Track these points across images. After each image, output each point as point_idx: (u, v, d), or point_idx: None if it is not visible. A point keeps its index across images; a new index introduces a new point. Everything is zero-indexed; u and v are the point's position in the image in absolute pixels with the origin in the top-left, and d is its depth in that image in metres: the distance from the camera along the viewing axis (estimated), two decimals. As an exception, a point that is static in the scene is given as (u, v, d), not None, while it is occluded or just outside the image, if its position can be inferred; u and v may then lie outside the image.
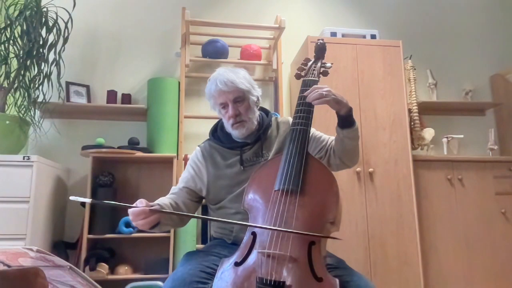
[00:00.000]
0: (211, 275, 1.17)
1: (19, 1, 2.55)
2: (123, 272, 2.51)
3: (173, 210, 1.36)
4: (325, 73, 1.47)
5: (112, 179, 2.63)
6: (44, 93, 2.55)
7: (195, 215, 1.51)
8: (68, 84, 2.84)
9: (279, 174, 1.23)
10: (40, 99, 2.58)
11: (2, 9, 2.51)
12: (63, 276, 1.33)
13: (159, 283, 2.46)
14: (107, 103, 2.89)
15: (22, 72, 2.48)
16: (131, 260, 2.66)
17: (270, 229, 1.12)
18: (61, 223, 2.72)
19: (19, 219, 2.20)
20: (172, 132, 2.81)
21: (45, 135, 2.75)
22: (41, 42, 2.53)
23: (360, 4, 3.51)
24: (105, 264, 2.42)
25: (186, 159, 2.73)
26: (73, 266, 1.33)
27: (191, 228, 2.53)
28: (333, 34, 2.97)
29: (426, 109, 3.22)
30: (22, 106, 2.50)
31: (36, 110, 2.71)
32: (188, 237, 2.51)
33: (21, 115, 2.48)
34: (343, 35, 2.97)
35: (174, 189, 1.48)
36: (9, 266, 1.20)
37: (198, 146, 1.57)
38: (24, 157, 2.27)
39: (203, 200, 1.53)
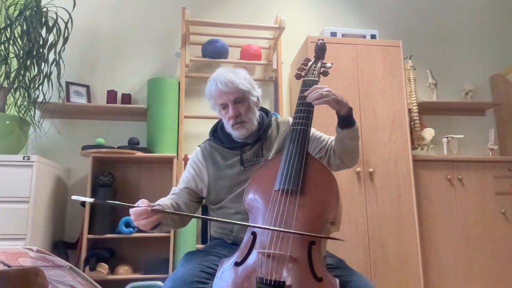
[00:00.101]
0: (211, 275, 1.17)
1: (19, 1, 2.55)
2: (123, 272, 2.51)
3: (174, 210, 1.36)
4: (325, 73, 1.47)
5: (112, 179, 2.63)
6: (44, 93, 2.55)
7: (196, 215, 1.51)
8: (68, 84, 2.84)
9: (279, 174, 1.23)
10: (40, 99, 2.58)
11: (2, 9, 2.51)
12: (63, 276, 1.33)
13: (159, 283, 2.46)
14: (107, 103, 2.89)
15: (22, 72, 2.48)
16: (131, 260, 2.66)
17: (270, 229, 1.12)
18: (61, 223, 2.72)
19: (19, 219, 2.20)
20: (172, 132, 2.81)
21: (45, 135, 2.75)
22: (41, 42, 2.53)
23: (360, 4, 3.51)
24: (105, 264, 2.42)
25: (186, 159, 2.73)
26: (73, 266, 1.32)
27: (191, 228, 2.53)
28: (333, 34, 2.97)
29: (426, 109, 3.22)
30: (22, 106, 2.50)
31: (36, 110, 2.71)
32: (188, 237, 2.51)
33: (21, 115, 2.48)
34: (343, 35, 2.97)
35: (174, 189, 1.48)
36: (9, 266, 1.20)
37: (198, 146, 1.57)
38: (24, 157, 2.27)
39: (203, 200, 1.53)
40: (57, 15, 2.62)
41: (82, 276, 1.34)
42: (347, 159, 1.46)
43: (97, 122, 2.96)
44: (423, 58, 3.44)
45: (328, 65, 1.49)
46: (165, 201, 1.36)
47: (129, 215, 1.18)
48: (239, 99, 1.43)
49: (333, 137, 1.49)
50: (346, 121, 1.38)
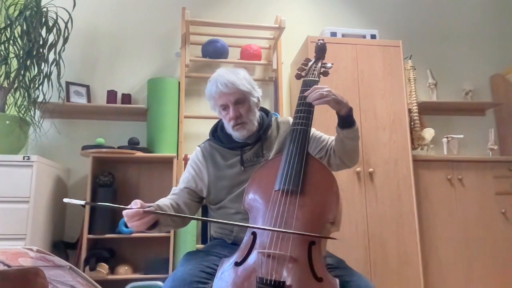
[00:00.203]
0: (211, 275, 1.17)
1: (19, 1, 2.55)
2: (123, 272, 2.51)
3: (174, 210, 1.36)
4: (326, 73, 1.47)
5: (112, 179, 2.63)
6: (44, 93, 2.55)
7: (192, 216, 1.50)
8: (68, 84, 2.84)
9: (279, 174, 1.23)
10: (40, 99, 2.58)
11: (2, 9, 2.51)
12: (63, 276, 1.33)
13: (159, 283, 2.46)
14: (107, 103, 2.89)
15: (22, 72, 2.48)
16: (131, 260, 2.66)
17: (270, 230, 1.11)
18: (61, 223, 2.72)
19: (19, 219, 2.20)
20: (172, 132, 2.81)
21: (45, 135, 2.75)
22: (41, 42, 2.53)
23: (360, 4, 3.51)
24: (105, 264, 2.42)
25: (186, 159, 2.73)
26: (73, 266, 1.32)
27: (191, 228, 2.53)
28: (333, 34, 2.97)
29: (426, 109, 3.22)
30: (22, 106, 2.50)
31: (36, 110, 2.71)
32: (188, 237, 2.51)
33: (21, 115, 2.48)
34: (343, 35, 2.97)
35: (175, 189, 1.48)
36: (9, 266, 1.20)
37: (198, 146, 1.57)
38: (24, 157, 2.27)
39: (204, 200, 1.53)
40: (57, 15, 2.62)
41: (82, 276, 1.34)
42: (347, 159, 1.46)
43: (97, 122, 2.96)
44: (423, 58, 3.44)
45: (329, 65, 1.49)
46: (165, 201, 1.36)
47: (129, 215, 1.18)
48: (239, 100, 1.43)
49: (333, 137, 1.49)
50: (346, 121, 1.38)
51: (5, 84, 2.48)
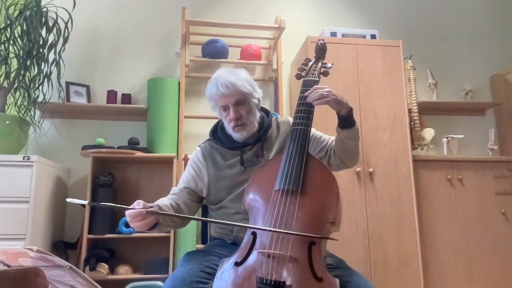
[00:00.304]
0: (211, 275, 1.17)
1: (19, 1, 2.55)
2: (123, 272, 2.51)
3: (174, 210, 1.36)
4: (326, 74, 1.47)
5: (112, 179, 2.63)
6: (44, 93, 2.55)
7: (193, 217, 1.50)
8: (68, 84, 2.84)
9: (279, 174, 1.23)
10: (40, 99, 2.58)
11: (2, 9, 2.51)
12: (63, 276, 1.33)
13: (159, 283, 2.46)
14: (107, 103, 2.89)
15: (22, 72, 2.48)
16: (131, 260, 2.66)
17: (269, 230, 1.11)
18: (61, 223, 2.72)
19: (19, 219, 2.20)
20: (172, 132, 2.81)
21: (45, 135, 2.75)
22: (41, 42, 2.53)
23: (360, 4, 3.51)
24: (105, 264, 2.42)
25: (186, 159, 2.73)
26: (73, 266, 1.33)
27: (191, 228, 2.53)
28: (333, 34, 2.97)
29: (426, 109, 3.22)
30: (22, 106, 2.50)
31: (36, 110, 2.71)
32: (188, 237, 2.51)
33: (21, 115, 2.48)
34: (343, 35, 2.97)
35: (174, 189, 1.48)
36: (9, 266, 1.20)
37: (198, 146, 1.56)
38: (24, 157, 2.26)
39: (204, 200, 1.53)
40: (57, 15, 2.62)
41: (82, 276, 1.34)
42: (347, 159, 1.46)
43: (97, 122, 2.96)
44: (423, 58, 3.44)
45: (329, 65, 1.49)
46: (164, 201, 1.36)
47: (128, 216, 1.18)
48: (240, 102, 1.42)
49: (333, 137, 1.49)
50: (346, 121, 1.38)
51: (5, 84, 2.48)
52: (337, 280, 1.08)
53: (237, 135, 1.45)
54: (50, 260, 1.27)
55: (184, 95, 2.88)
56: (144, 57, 3.12)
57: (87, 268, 2.39)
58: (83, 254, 2.43)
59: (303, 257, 1.08)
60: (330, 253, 1.33)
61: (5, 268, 1.18)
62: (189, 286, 1.12)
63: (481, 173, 2.88)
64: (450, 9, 3.65)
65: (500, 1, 3.74)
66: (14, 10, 2.50)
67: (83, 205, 2.59)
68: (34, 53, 2.48)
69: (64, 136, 2.88)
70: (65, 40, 2.60)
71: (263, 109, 1.58)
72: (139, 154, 2.63)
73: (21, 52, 2.47)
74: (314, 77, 1.44)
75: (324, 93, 1.29)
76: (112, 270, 2.51)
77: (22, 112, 2.49)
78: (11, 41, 2.46)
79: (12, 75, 2.48)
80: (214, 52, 2.98)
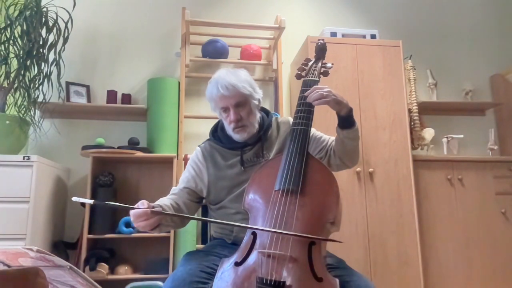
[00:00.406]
0: (211, 275, 1.17)
1: (19, 1, 2.55)
2: (123, 272, 2.51)
3: (174, 211, 1.36)
4: (326, 73, 1.47)
5: (112, 179, 2.63)
6: (44, 93, 2.55)
7: (197, 217, 1.50)
8: (68, 84, 2.84)
9: (279, 174, 1.23)
10: (40, 99, 2.58)
11: (2, 9, 2.51)
12: (63, 276, 1.33)
13: (159, 283, 2.46)
14: (107, 103, 2.89)
15: (22, 72, 2.48)
16: (131, 260, 2.66)
17: (269, 231, 1.11)
18: (61, 223, 2.72)
19: (19, 219, 2.20)
20: (172, 132, 2.81)
21: (45, 135, 2.75)
22: (41, 42, 2.53)
23: (360, 4, 3.51)
24: (105, 264, 2.42)
25: (186, 159, 2.73)
26: (73, 266, 1.32)
27: (191, 228, 2.53)
28: (333, 34, 2.97)
29: (426, 109, 3.22)
30: (22, 106, 2.50)
31: (36, 110, 2.71)
32: (188, 237, 2.51)
33: (21, 115, 2.48)
34: (343, 35, 2.97)
35: (174, 189, 1.48)
36: (9, 266, 1.20)
37: (198, 146, 1.56)
38: (24, 157, 2.27)
39: (204, 200, 1.53)
40: (57, 15, 2.62)
41: (82, 276, 1.34)
42: (347, 160, 1.46)
43: (97, 122, 2.96)
44: (423, 58, 3.44)
45: (329, 65, 1.49)
46: (165, 201, 1.36)
47: (129, 215, 1.18)
48: (240, 103, 1.42)
49: (333, 138, 1.49)
50: (346, 121, 1.38)
51: (5, 84, 2.48)
52: (337, 280, 1.08)
53: (237, 137, 1.45)
54: (50, 260, 1.27)
55: (184, 95, 2.88)
56: (144, 57, 3.12)
57: (87, 268, 2.39)
58: (83, 254, 2.43)
59: (303, 257, 1.08)
60: (330, 253, 1.33)
61: (5, 268, 1.18)
62: (189, 286, 1.12)
63: (481, 173, 2.88)
64: (450, 9, 3.65)
65: (500, 1, 3.74)
66: (14, 10, 2.50)
67: (83, 205, 2.59)
68: (34, 53, 2.48)
69: (64, 136, 2.88)
70: (65, 40, 2.60)
71: (263, 109, 1.58)
72: (139, 154, 2.63)
73: (21, 52, 2.47)
74: (314, 77, 1.44)
75: (324, 93, 1.29)
76: (112, 270, 2.51)
77: (22, 112, 2.49)
78: (11, 41, 2.46)
79: (12, 75, 2.48)
80: (214, 52, 2.98)
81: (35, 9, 2.52)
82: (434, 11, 3.62)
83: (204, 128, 2.68)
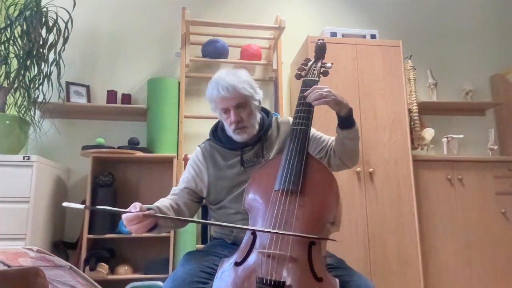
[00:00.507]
0: (211, 275, 1.17)
1: (19, 1, 2.55)
2: (123, 272, 2.51)
3: (174, 211, 1.36)
4: (325, 73, 1.47)
5: (112, 179, 2.63)
6: (44, 93, 2.55)
7: (192, 219, 1.48)
8: (68, 84, 2.84)
9: (279, 174, 1.23)
10: (40, 99, 2.58)
11: (2, 9, 2.51)
12: (63, 276, 1.33)
13: (159, 283, 2.46)
14: (107, 103, 2.89)
15: (22, 72, 2.48)
16: (131, 260, 2.66)
17: (268, 232, 1.11)
18: (61, 223, 2.72)
19: (19, 219, 2.20)
20: (172, 132, 2.81)
21: (45, 135, 2.75)
22: (41, 42, 2.53)
23: (360, 4, 3.51)
24: (105, 264, 2.42)
25: (186, 159, 2.73)
26: (73, 266, 1.32)
27: (191, 228, 2.53)
28: (333, 34, 2.97)
29: (426, 109, 3.22)
30: (22, 106, 2.50)
31: (36, 110, 2.71)
32: (188, 237, 2.51)
33: (21, 115, 2.48)
34: (343, 35, 2.97)
35: (175, 189, 1.48)
36: (9, 266, 1.20)
37: (199, 146, 1.56)
38: (24, 157, 2.27)
39: (204, 201, 1.53)
40: (57, 15, 2.62)
41: (82, 276, 1.34)
42: (347, 160, 1.46)
43: (97, 122, 2.96)
44: (423, 58, 3.44)
45: (328, 65, 1.49)
46: (164, 202, 1.36)
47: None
48: (240, 105, 1.42)
49: (333, 138, 1.49)
50: (346, 121, 1.38)
51: (5, 84, 2.48)
52: (337, 280, 1.08)
53: (237, 138, 1.45)
54: (50, 260, 1.27)
55: (184, 95, 2.88)
56: (144, 57, 3.12)
57: (87, 268, 2.39)
58: (83, 254, 2.43)
59: (303, 257, 1.08)
60: (330, 253, 1.33)
61: (5, 268, 1.18)
62: (189, 286, 1.13)
63: (481, 173, 2.88)
64: (450, 9, 3.65)
65: (500, 1, 3.74)
66: (14, 10, 2.50)
67: (83, 203, 2.59)
68: (34, 53, 2.48)
69: (64, 136, 2.88)
70: (65, 40, 2.60)
71: (263, 109, 1.58)
72: (139, 154, 2.63)
73: (21, 52, 2.47)
74: (314, 77, 1.44)
75: (324, 93, 1.29)
76: (112, 270, 2.51)
77: (22, 112, 2.49)
78: (11, 41, 2.46)
79: (12, 75, 2.48)
80: (214, 52, 2.98)
81: (35, 9, 2.52)
82: (434, 11, 3.62)
83: (204, 128, 2.68)
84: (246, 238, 1.18)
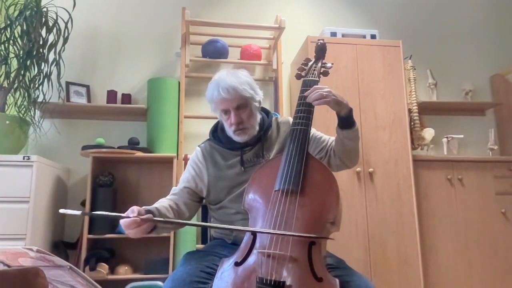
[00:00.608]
0: (211, 275, 1.17)
1: (19, 1, 2.55)
2: (123, 272, 2.51)
3: (173, 212, 1.35)
4: (326, 73, 1.47)
5: (112, 179, 2.63)
6: (44, 93, 2.55)
7: (189, 222, 1.46)
8: (68, 84, 2.84)
9: (279, 174, 1.23)
10: (40, 99, 2.58)
11: (2, 9, 2.51)
12: (63, 276, 1.33)
13: (159, 283, 2.46)
14: (107, 103, 2.88)
15: (22, 72, 2.48)
16: (131, 260, 2.66)
17: (269, 233, 1.11)
18: (61, 223, 2.72)
19: (19, 219, 2.20)
20: (172, 132, 2.81)
21: (45, 135, 2.75)
22: (41, 42, 2.53)
23: (360, 4, 3.51)
24: (105, 264, 2.42)
25: (186, 159, 2.73)
26: (73, 266, 1.32)
27: (191, 228, 2.52)
28: (333, 34, 2.97)
29: (426, 109, 3.22)
30: (22, 106, 2.50)
31: (36, 110, 2.71)
32: (188, 237, 2.51)
33: (21, 115, 2.48)
34: (343, 35, 2.97)
35: (174, 189, 1.47)
36: (9, 266, 1.20)
37: (198, 146, 1.56)
38: (24, 157, 2.27)
39: (203, 200, 1.53)
40: (57, 15, 2.62)
41: (82, 276, 1.34)
42: (347, 160, 1.46)
43: (97, 122, 2.96)
44: (423, 58, 3.44)
45: (329, 65, 1.49)
46: (164, 203, 1.35)
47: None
48: (241, 106, 1.41)
49: (333, 138, 1.49)
50: (346, 122, 1.37)
51: (5, 84, 2.48)
52: (337, 280, 1.08)
53: (237, 139, 1.45)
54: (50, 260, 1.27)
55: (184, 95, 2.88)
56: (144, 57, 3.12)
57: (87, 268, 2.39)
58: (83, 254, 2.43)
59: (303, 257, 1.08)
60: (330, 253, 1.33)
61: (5, 268, 1.18)
62: (189, 286, 1.13)
63: (481, 173, 2.88)
64: (450, 9, 3.65)
65: (499, 1, 3.74)
66: (14, 10, 2.50)
67: (83, 204, 2.59)
68: (34, 53, 2.48)
69: (64, 136, 2.88)
70: (65, 40, 2.60)
71: (263, 109, 1.57)
72: (139, 154, 2.63)
73: (21, 52, 2.47)
74: (314, 77, 1.44)
75: (324, 93, 1.29)
76: (112, 270, 2.51)
77: (22, 112, 2.49)
78: (11, 41, 2.46)
79: (12, 75, 2.48)
80: (214, 52, 2.98)
81: (35, 9, 2.52)
82: (434, 11, 3.62)
83: (204, 128, 2.68)
84: (246, 238, 1.18)
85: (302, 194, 1.18)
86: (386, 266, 2.54)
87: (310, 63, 1.51)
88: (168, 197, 1.44)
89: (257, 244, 1.14)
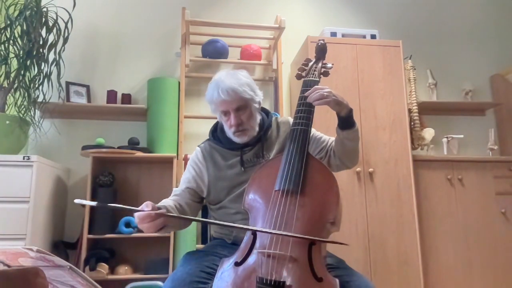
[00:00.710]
0: (211, 275, 1.17)
1: (19, 1, 2.55)
2: (123, 272, 2.51)
3: (178, 212, 1.35)
4: (326, 74, 1.47)
5: (112, 179, 2.63)
6: (44, 93, 2.55)
7: (201, 219, 1.49)
8: (68, 84, 2.84)
9: (280, 174, 1.23)
10: (40, 99, 2.58)
11: (2, 9, 2.51)
12: (63, 276, 1.33)
13: (159, 283, 2.46)
14: (107, 103, 2.89)
15: (22, 72, 2.48)
16: (131, 260, 2.66)
17: (270, 233, 1.11)
18: (61, 223, 2.72)
19: (19, 219, 2.20)
20: (172, 132, 2.81)
21: (45, 135, 2.75)
22: (41, 42, 2.53)
23: (360, 4, 3.51)
24: (105, 264, 2.42)
25: (186, 159, 2.73)
26: (73, 266, 1.33)
27: (191, 228, 2.52)
28: (333, 34, 2.96)
29: (426, 109, 3.22)
30: (22, 106, 2.50)
31: (36, 110, 2.71)
32: (188, 237, 2.51)
33: (21, 115, 2.48)
34: (343, 35, 2.97)
35: (176, 190, 1.47)
36: (9, 266, 1.20)
37: (198, 146, 1.56)
38: (24, 157, 2.26)
39: (204, 201, 1.53)
40: (57, 15, 2.62)
41: (82, 276, 1.34)
42: (347, 160, 1.46)
43: (97, 122, 2.96)
44: (423, 58, 3.44)
45: (329, 65, 1.49)
46: (168, 203, 1.35)
47: (129, 215, 1.17)
48: (241, 107, 1.41)
49: (333, 138, 1.49)
50: (346, 122, 1.38)
51: (5, 84, 2.48)
52: (337, 280, 1.08)
53: (237, 140, 1.45)
54: (50, 260, 1.27)
55: (184, 95, 2.88)
56: (144, 57, 3.12)
57: (87, 268, 2.39)
58: (83, 254, 2.43)
59: (303, 257, 1.08)
60: (330, 253, 1.33)
61: (5, 268, 1.18)
62: (189, 286, 1.13)
63: (481, 173, 2.88)
64: (450, 9, 3.65)
65: (499, 1, 3.74)
66: (14, 10, 2.50)
67: (83, 205, 2.59)
68: (34, 53, 2.48)
69: (64, 136, 2.88)
70: (65, 40, 2.60)
71: (263, 110, 1.57)
72: (139, 154, 2.63)
73: (21, 52, 2.47)
74: (314, 77, 1.44)
75: (324, 93, 1.29)
76: (112, 270, 2.51)
77: (22, 112, 2.49)
78: (11, 41, 2.46)
79: (12, 75, 2.48)
80: (214, 52, 2.98)
81: (35, 9, 2.52)
82: (434, 11, 3.62)
83: (204, 128, 2.67)
84: (246, 238, 1.18)
85: (302, 194, 1.18)
86: (386, 266, 2.54)
87: (311, 63, 1.51)
88: (170, 198, 1.44)
89: (257, 244, 1.14)
